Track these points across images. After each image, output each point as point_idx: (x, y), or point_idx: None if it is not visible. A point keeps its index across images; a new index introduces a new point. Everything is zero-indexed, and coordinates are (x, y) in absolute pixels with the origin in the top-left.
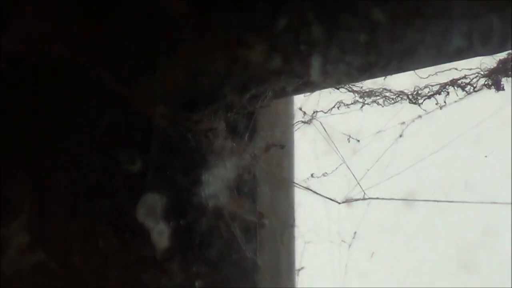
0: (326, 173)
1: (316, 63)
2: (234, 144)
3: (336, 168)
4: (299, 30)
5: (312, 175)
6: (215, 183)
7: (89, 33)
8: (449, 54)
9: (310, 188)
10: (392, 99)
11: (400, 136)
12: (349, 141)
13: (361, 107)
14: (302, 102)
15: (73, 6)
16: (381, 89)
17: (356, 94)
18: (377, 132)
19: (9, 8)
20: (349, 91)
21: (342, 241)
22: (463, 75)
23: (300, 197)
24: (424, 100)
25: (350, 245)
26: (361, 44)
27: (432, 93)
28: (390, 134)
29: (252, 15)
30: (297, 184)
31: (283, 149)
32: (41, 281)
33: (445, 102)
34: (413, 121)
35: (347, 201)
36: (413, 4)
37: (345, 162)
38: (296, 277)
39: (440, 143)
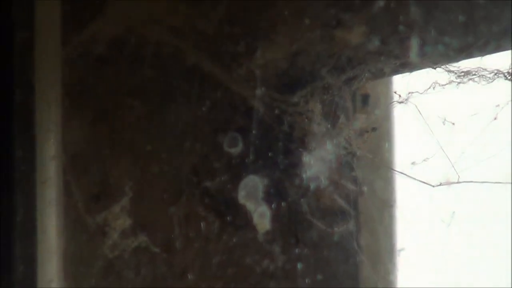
0: (422, 156)
1: (414, 44)
2: (331, 126)
3: (432, 151)
4: (397, 11)
5: (410, 158)
6: (315, 165)
7: (188, 15)
8: None
9: (407, 171)
10: (489, 77)
11: (495, 118)
12: (444, 124)
13: (457, 85)
14: (399, 83)
15: None
16: (478, 68)
17: (452, 74)
18: (472, 115)
19: None
20: (445, 71)
21: (439, 224)
22: None
23: (398, 180)
24: None
25: (448, 228)
26: (459, 25)
27: None
28: (485, 116)
29: None
30: (393, 168)
31: (375, 131)
32: (143, 265)
33: None
34: (507, 103)
35: (442, 184)
36: None
37: (440, 144)
38: (397, 258)
39: None
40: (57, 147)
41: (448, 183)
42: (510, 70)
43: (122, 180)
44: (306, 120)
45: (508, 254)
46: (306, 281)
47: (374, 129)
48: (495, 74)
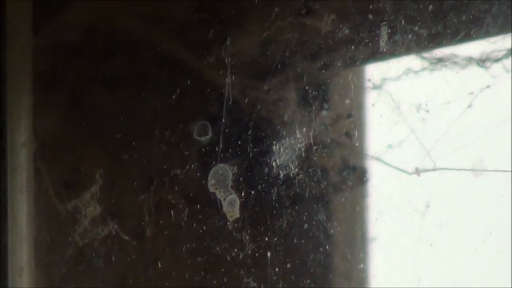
0: (396, 143)
1: (384, 32)
2: (304, 114)
3: (406, 139)
4: None
5: (384, 146)
6: (286, 153)
7: (160, 3)
8: None
9: (381, 159)
10: (461, 64)
11: (469, 106)
12: (418, 112)
13: (430, 72)
14: (371, 71)
15: None
16: (451, 54)
17: (425, 61)
18: (446, 102)
19: None
20: (418, 58)
21: (414, 210)
22: None
23: (371, 168)
24: (491, 64)
25: (422, 215)
26: (429, 13)
27: (499, 57)
28: (459, 104)
29: None
30: (367, 154)
31: (350, 118)
32: (114, 252)
33: None
34: (481, 91)
35: (417, 171)
36: None
37: (415, 132)
38: (369, 246)
39: (509, 113)
40: (27, 134)
41: (423, 171)
42: (482, 57)
43: (93, 167)
44: (280, 107)
45: (483, 242)
46: (276, 269)
47: (349, 115)
48: (467, 61)
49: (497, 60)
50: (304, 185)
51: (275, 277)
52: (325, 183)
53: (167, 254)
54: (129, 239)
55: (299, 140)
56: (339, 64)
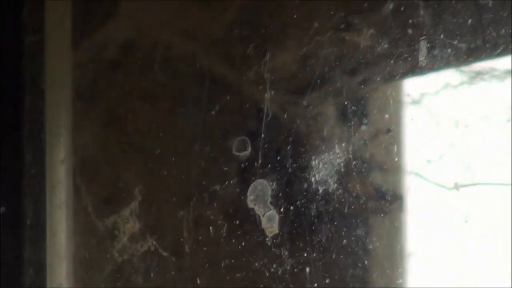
0: (435, 158)
1: (423, 46)
2: (343, 129)
3: (445, 153)
4: (407, 14)
5: (423, 161)
6: (325, 169)
7: (199, 18)
8: None
9: (420, 174)
10: (500, 78)
11: (508, 120)
12: (457, 126)
13: (469, 86)
14: (410, 86)
15: None
16: (488, 68)
17: (464, 75)
18: (484, 117)
19: None
20: (457, 72)
21: (453, 225)
22: None
23: (410, 182)
24: None
25: (461, 230)
26: (468, 27)
27: None
28: (498, 118)
29: None
30: (406, 169)
31: (389, 133)
32: (152, 269)
33: None
34: None
35: (456, 186)
36: None
37: (454, 147)
38: (408, 262)
39: None
40: (67, 151)
41: (462, 186)
42: None
43: (132, 183)
44: (319, 123)
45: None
46: (315, 285)
47: (388, 130)
48: (507, 74)
49: None
50: (343, 200)
51: None
52: (364, 198)
53: (206, 270)
54: (168, 255)
55: (338, 155)
56: (378, 79)
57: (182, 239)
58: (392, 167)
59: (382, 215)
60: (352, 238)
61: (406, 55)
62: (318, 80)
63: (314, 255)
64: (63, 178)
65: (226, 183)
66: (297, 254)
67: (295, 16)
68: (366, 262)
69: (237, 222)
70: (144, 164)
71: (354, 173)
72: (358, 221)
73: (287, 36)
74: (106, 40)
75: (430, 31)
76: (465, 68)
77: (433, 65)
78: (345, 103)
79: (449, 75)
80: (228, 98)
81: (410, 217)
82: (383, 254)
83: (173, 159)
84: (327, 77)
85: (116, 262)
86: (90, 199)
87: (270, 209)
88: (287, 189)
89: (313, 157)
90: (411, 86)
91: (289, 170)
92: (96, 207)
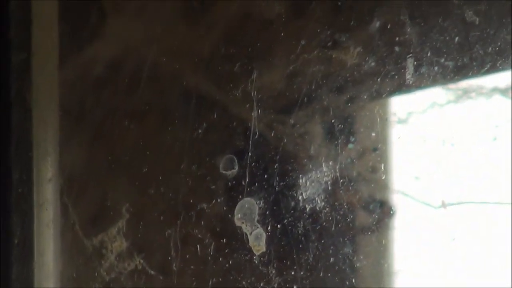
0: (422, 177)
1: (410, 64)
2: (330, 147)
3: (432, 172)
4: (393, 31)
5: (410, 179)
6: (312, 187)
7: (186, 37)
8: None
9: (407, 192)
10: (487, 95)
11: (494, 139)
12: (443, 145)
13: (456, 104)
14: (397, 104)
15: (170, 10)
16: (475, 86)
17: (451, 94)
18: (471, 135)
19: (106, 13)
20: (444, 90)
21: (440, 244)
22: None
23: (397, 201)
24: None
25: (448, 248)
26: (455, 45)
27: None
28: (485, 137)
29: (347, 16)
30: (393, 188)
31: (376, 152)
32: (140, 287)
33: None
34: (506, 123)
35: (443, 204)
36: (506, 5)
37: (441, 165)
38: (395, 280)
39: None
40: (54, 169)
41: (449, 204)
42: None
43: (119, 202)
44: (303, 141)
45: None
46: None
47: (375, 149)
48: (493, 92)
49: None
50: (330, 218)
51: None
52: (351, 216)
53: None
54: (155, 273)
55: (325, 174)
56: (365, 97)
57: (169, 258)
58: (379, 185)
59: (369, 233)
60: (340, 256)
61: (393, 73)
62: (305, 99)
63: (302, 273)
64: (51, 196)
65: (213, 201)
66: (284, 273)
67: (282, 34)
68: (353, 280)
69: (225, 240)
70: (131, 183)
71: (341, 191)
72: (345, 239)
73: (274, 54)
74: (93, 58)
75: (417, 49)
76: (452, 86)
77: (420, 83)
78: (332, 121)
79: (436, 93)
80: (215, 116)
81: (398, 235)
82: (370, 272)
83: (160, 177)
84: (314, 96)
85: (104, 280)
86: (77, 217)
87: (258, 227)
88: (275, 207)
89: (300, 176)
90: (398, 104)
91: (276, 189)
92: (83, 226)
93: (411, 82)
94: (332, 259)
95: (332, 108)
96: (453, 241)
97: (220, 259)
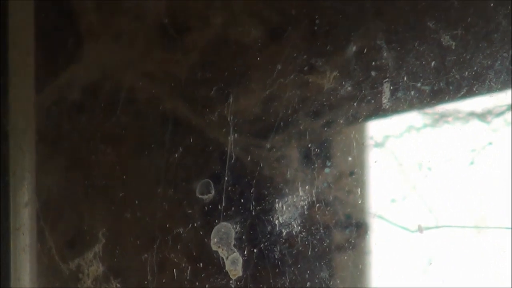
0: (399, 201)
1: (387, 89)
2: (306, 171)
3: (408, 196)
4: (370, 56)
5: (387, 204)
6: (288, 211)
7: (162, 61)
8: None
9: (383, 216)
10: (463, 120)
11: (471, 163)
12: (420, 169)
13: (433, 128)
14: (374, 128)
15: (147, 35)
16: (452, 110)
17: (427, 118)
18: (448, 160)
19: (82, 38)
20: (420, 114)
21: (417, 268)
22: None
23: (374, 225)
24: (493, 118)
25: (425, 272)
26: (431, 70)
27: (501, 112)
28: (461, 161)
29: (323, 41)
30: (370, 212)
31: (352, 176)
32: None
33: None
34: (483, 148)
35: (420, 229)
36: (483, 30)
37: (417, 190)
38: None
39: (509, 170)
40: (30, 193)
41: (426, 228)
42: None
43: (96, 226)
44: (280, 166)
45: None
46: None
47: (351, 173)
48: (470, 116)
49: (498, 114)
50: (306, 243)
51: None
52: (327, 241)
53: None
54: None
55: (302, 198)
56: (342, 122)
57: (146, 282)
58: (355, 209)
59: (345, 257)
60: (316, 281)
61: (369, 98)
62: (282, 123)
63: None
64: (27, 221)
65: (190, 225)
66: None
67: (258, 58)
68: None
69: (201, 264)
70: (107, 207)
71: (317, 215)
72: (322, 263)
73: (250, 78)
74: (70, 83)
75: (393, 74)
76: (429, 110)
77: (397, 108)
78: (309, 145)
79: (412, 118)
80: (191, 140)
81: (374, 259)
82: None
83: (137, 201)
84: (290, 120)
85: None
86: (54, 242)
87: (234, 252)
88: (251, 232)
89: (277, 200)
90: (375, 128)
91: (253, 213)
92: (60, 250)
93: (387, 106)
94: (308, 284)
95: (308, 132)
96: (430, 265)
97: (197, 283)
